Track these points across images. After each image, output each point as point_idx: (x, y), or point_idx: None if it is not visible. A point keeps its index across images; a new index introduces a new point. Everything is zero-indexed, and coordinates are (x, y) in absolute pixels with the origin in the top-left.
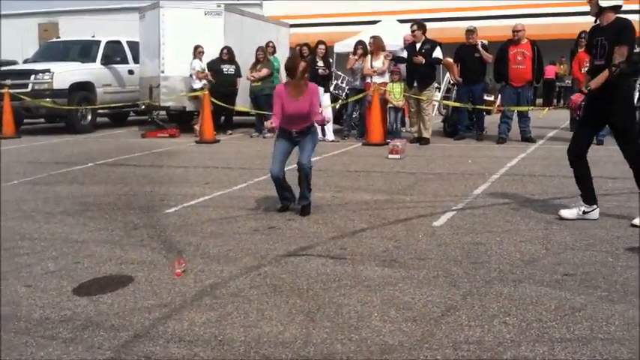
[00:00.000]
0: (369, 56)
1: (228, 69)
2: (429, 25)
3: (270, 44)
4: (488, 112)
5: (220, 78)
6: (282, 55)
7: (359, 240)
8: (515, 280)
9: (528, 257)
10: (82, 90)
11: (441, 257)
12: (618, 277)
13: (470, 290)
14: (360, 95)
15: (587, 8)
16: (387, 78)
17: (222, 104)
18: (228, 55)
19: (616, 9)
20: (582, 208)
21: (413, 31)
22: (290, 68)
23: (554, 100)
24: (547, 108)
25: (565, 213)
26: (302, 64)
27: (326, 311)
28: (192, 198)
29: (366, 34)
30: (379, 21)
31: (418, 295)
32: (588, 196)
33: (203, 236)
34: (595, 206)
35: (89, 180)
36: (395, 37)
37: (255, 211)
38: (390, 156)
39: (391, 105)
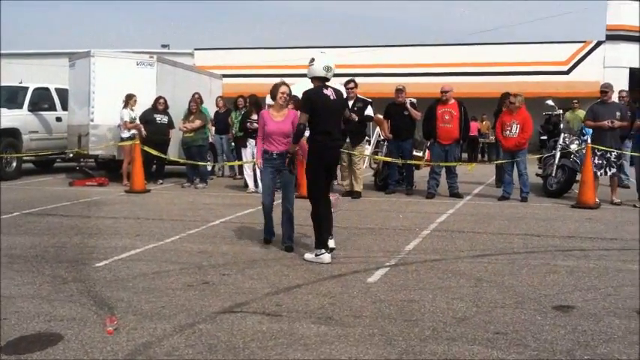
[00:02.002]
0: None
1: (161, 119)
2: (359, 80)
3: (197, 95)
4: (418, 168)
5: (153, 127)
6: (213, 105)
7: (294, 296)
8: (449, 339)
9: (460, 315)
10: (8, 136)
11: (376, 314)
12: (547, 335)
13: (405, 349)
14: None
15: (510, 69)
16: None
17: (155, 153)
18: (163, 106)
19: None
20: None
21: (351, 88)
22: (273, 92)
23: (479, 156)
24: (474, 163)
25: (306, 256)
26: (282, 88)
27: None
28: (123, 251)
29: (299, 86)
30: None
31: (355, 355)
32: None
33: (135, 291)
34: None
35: (15, 230)
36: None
37: (188, 266)
38: None
39: None
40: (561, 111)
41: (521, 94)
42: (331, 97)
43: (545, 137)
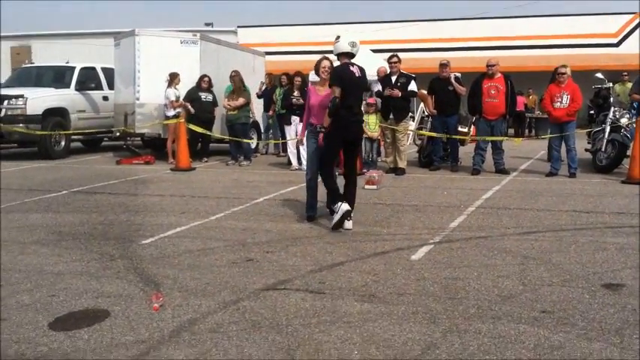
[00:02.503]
0: None
1: (206, 97)
2: (403, 55)
3: (233, 74)
4: (463, 143)
5: (198, 106)
6: (257, 83)
7: (337, 274)
8: (494, 317)
9: (506, 293)
10: (56, 116)
11: (419, 292)
12: (595, 314)
13: (449, 327)
14: None
15: (558, 41)
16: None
17: (201, 130)
18: (208, 84)
19: None
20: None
21: (394, 62)
22: (316, 68)
23: (526, 131)
24: (521, 138)
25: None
26: (324, 62)
27: (306, 348)
28: (169, 228)
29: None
30: None
31: (398, 332)
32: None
33: (180, 269)
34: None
35: (63, 208)
36: (368, 66)
37: (232, 243)
38: (367, 187)
39: (366, 135)
40: (611, 84)
41: (568, 65)
42: (356, 74)
43: (593, 112)
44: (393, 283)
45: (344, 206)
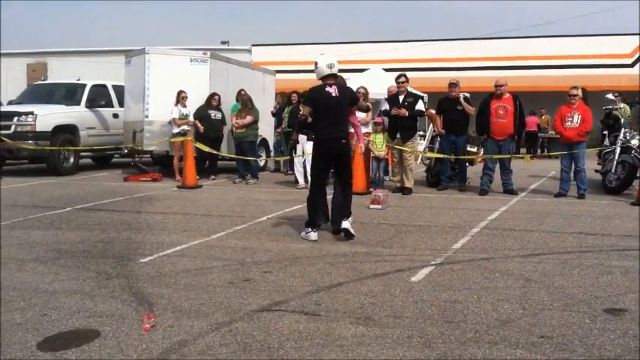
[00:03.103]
0: None
1: (215, 115)
2: (414, 74)
3: (242, 92)
4: (471, 163)
5: (208, 123)
6: (268, 101)
7: (334, 295)
8: (491, 342)
9: (505, 317)
10: (66, 133)
11: (416, 315)
12: (595, 340)
13: (444, 352)
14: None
15: (572, 62)
16: (370, 128)
17: (207, 149)
18: (217, 102)
19: None
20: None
21: (402, 82)
22: None
23: (538, 151)
24: (530, 155)
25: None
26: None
27: None
28: (169, 247)
29: (352, 81)
30: (366, 69)
31: (391, 357)
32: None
33: (176, 288)
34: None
35: (66, 225)
36: (381, 86)
37: (231, 262)
38: (372, 206)
39: (374, 155)
40: (622, 105)
41: (579, 87)
42: (333, 94)
43: (606, 132)
44: (390, 306)
45: (312, 235)
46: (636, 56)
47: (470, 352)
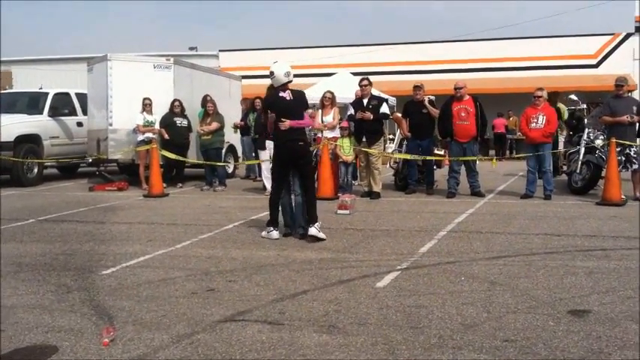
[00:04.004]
0: (320, 111)
1: (181, 122)
2: (382, 78)
3: (208, 97)
4: (440, 166)
5: (174, 131)
6: (234, 107)
7: (299, 303)
8: (455, 347)
9: (469, 321)
10: (29, 142)
11: (381, 322)
12: (559, 342)
13: (408, 358)
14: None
15: (537, 63)
16: (337, 133)
17: (173, 156)
18: (179, 108)
19: None
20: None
21: (365, 86)
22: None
23: (507, 152)
24: (497, 158)
25: (262, 234)
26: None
27: None
28: (132, 257)
29: (320, 86)
30: (333, 73)
31: None
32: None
33: (138, 300)
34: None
35: (28, 237)
36: (349, 90)
37: (195, 272)
38: (339, 211)
39: (341, 160)
40: (585, 105)
41: (544, 88)
42: (287, 98)
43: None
44: (355, 313)
45: (274, 234)
46: (600, 57)
47: (434, 357)
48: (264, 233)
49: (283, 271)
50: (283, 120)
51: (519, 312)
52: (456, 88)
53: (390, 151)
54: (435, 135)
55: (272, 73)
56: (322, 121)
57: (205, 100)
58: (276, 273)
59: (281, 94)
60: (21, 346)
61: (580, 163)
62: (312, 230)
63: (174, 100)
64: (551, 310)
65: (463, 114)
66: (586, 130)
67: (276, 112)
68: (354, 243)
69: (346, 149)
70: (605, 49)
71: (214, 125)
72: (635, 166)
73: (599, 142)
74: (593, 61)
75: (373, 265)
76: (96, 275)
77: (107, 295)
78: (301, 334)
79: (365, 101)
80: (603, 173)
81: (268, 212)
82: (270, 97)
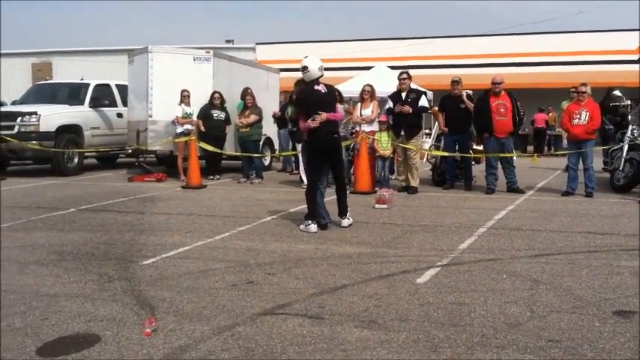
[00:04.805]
0: (359, 104)
1: (218, 115)
2: (418, 71)
3: (249, 90)
4: (478, 162)
5: (210, 123)
6: (272, 99)
7: (339, 297)
8: (499, 346)
9: (512, 320)
10: (70, 133)
11: (422, 318)
12: (605, 344)
13: (451, 357)
14: (349, 142)
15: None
16: (375, 126)
17: (211, 148)
18: (219, 100)
19: None
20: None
21: (404, 79)
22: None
23: (545, 148)
24: (536, 155)
25: (300, 227)
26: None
27: None
28: (172, 248)
29: (357, 79)
30: (371, 67)
31: None
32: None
33: (178, 291)
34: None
35: (69, 227)
36: (386, 83)
37: (234, 264)
38: (377, 206)
39: (379, 154)
40: (629, 102)
41: (588, 84)
42: (322, 91)
43: (610, 127)
44: (395, 309)
45: (312, 227)
46: None
47: (477, 356)
48: (302, 227)
49: (322, 265)
50: (320, 113)
51: (564, 312)
52: (494, 83)
53: (426, 145)
54: (471, 130)
55: (305, 67)
56: (361, 115)
57: (245, 93)
58: (315, 267)
59: (316, 87)
60: (64, 334)
61: (623, 160)
62: (345, 222)
63: (214, 92)
64: (596, 311)
65: (502, 109)
66: (630, 127)
67: (313, 105)
68: (393, 238)
69: (384, 143)
70: None
71: (253, 118)
72: None
73: None
74: (635, 57)
75: (413, 261)
76: (136, 265)
77: (148, 285)
78: (342, 329)
79: (404, 95)
80: None
81: (306, 206)
82: (305, 91)
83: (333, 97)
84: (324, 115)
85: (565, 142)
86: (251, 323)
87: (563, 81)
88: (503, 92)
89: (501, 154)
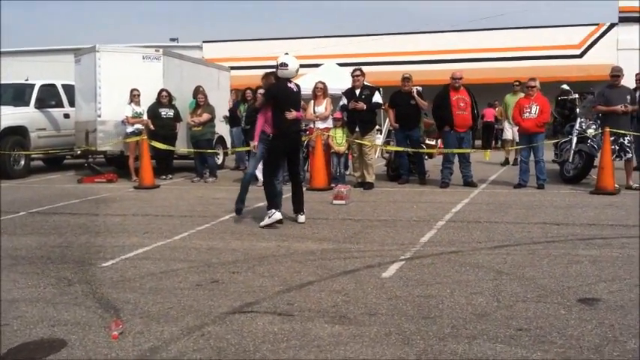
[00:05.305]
0: (312, 101)
1: (166, 113)
2: (367, 68)
3: (200, 89)
4: (431, 156)
5: (159, 122)
6: (222, 98)
7: (306, 294)
8: (469, 337)
9: (480, 310)
10: (15, 134)
11: (392, 312)
12: (573, 331)
13: (424, 349)
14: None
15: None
16: (329, 123)
17: (163, 147)
18: (167, 99)
19: None
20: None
21: (357, 76)
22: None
23: (493, 142)
24: (489, 150)
25: (261, 223)
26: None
27: None
28: (131, 249)
29: (308, 77)
30: (321, 64)
31: (371, 356)
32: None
33: (142, 292)
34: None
35: (21, 230)
36: (336, 81)
37: (196, 264)
38: (335, 202)
39: (334, 150)
40: (577, 95)
41: (537, 78)
42: (295, 89)
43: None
44: (364, 303)
45: (277, 215)
46: (584, 47)
47: (450, 347)
48: (266, 219)
49: (286, 262)
50: (291, 110)
51: (529, 301)
52: (454, 78)
53: (379, 142)
54: (420, 126)
55: (285, 64)
56: (314, 112)
57: (197, 91)
58: (279, 264)
59: (289, 84)
60: (28, 339)
61: (572, 152)
62: (301, 218)
63: (162, 91)
64: (560, 299)
65: (462, 104)
66: (578, 120)
67: (284, 102)
68: (354, 233)
69: (339, 140)
70: (589, 39)
71: (205, 116)
72: (629, 155)
73: (591, 132)
74: (578, 52)
75: (376, 256)
76: (96, 268)
77: (110, 287)
78: (313, 325)
79: (357, 91)
80: (595, 162)
81: (267, 200)
82: (278, 87)
83: (300, 96)
84: (294, 113)
85: (506, 133)
86: (220, 322)
87: (510, 76)
88: (462, 87)
89: (460, 150)
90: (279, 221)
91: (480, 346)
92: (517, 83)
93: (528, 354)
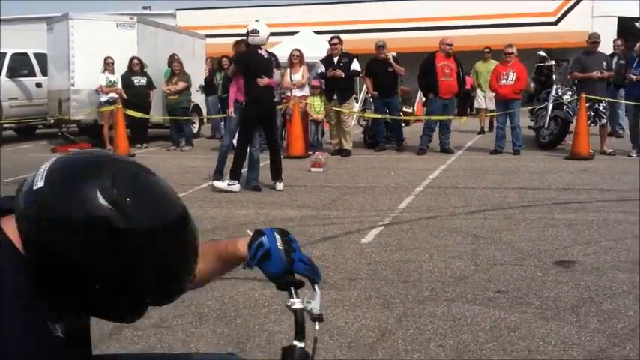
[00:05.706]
0: (288, 69)
1: (139, 81)
2: (345, 36)
3: (175, 57)
4: (408, 124)
5: (132, 90)
6: (197, 66)
7: None
8: (448, 299)
9: (459, 274)
10: None
11: (372, 276)
12: (549, 292)
13: (404, 312)
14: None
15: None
16: (306, 91)
17: (138, 115)
18: (138, 66)
19: None
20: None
21: (335, 44)
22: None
23: (468, 109)
24: (465, 117)
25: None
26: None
27: (256, 340)
28: None
29: (284, 45)
30: (297, 32)
31: (352, 319)
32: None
33: None
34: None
35: None
36: (312, 48)
37: None
38: (313, 169)
39: (311, 118)
40: (553, 62)
41: (514, 45)
42: (265, 56)
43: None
44: (344, 268)
45: (235, 187)
46: (559, 14)
47: (429, 310)
48: (221, 184)
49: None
50: (262, 76)
51: (506, 264)
52: (446, 44)
53: (356, 109)
54: (398, 92)
55: (256, 31)
56: (291, 80)
57: (172, 60)
58: None
59: (259, 51)
60: None
61: (548, 118)
62: (279, 185)
63: (133, 58)
64: (537, 262)
65: (447, 70)
66: (554, 86)
67: (255, 69)
68: (332, 200)
69: (317, 108)
70: (564, 7)
71: (181, 85)
72: (604, 121)
73: (567, 98)
74: (552, 19)
75: (355, 222)
76: None
77: None
78: None
79: (335, 59)
80: (571, 128)
81: (232, 166)
82: (248, 54)
83: (272, 63)
84: (266, 80)
85: (479, 101)
86: (200, 289)
87: (485, 43)
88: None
89: (440, 117)
90: (256, 188)
91: (459, 308)
92: (487, 50)
93: (506, 315)
